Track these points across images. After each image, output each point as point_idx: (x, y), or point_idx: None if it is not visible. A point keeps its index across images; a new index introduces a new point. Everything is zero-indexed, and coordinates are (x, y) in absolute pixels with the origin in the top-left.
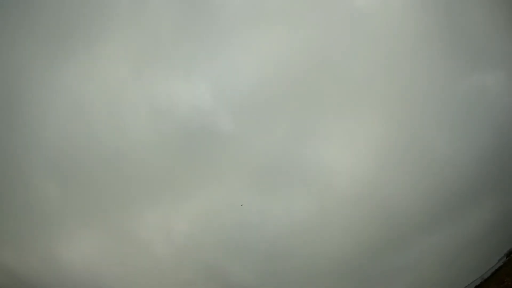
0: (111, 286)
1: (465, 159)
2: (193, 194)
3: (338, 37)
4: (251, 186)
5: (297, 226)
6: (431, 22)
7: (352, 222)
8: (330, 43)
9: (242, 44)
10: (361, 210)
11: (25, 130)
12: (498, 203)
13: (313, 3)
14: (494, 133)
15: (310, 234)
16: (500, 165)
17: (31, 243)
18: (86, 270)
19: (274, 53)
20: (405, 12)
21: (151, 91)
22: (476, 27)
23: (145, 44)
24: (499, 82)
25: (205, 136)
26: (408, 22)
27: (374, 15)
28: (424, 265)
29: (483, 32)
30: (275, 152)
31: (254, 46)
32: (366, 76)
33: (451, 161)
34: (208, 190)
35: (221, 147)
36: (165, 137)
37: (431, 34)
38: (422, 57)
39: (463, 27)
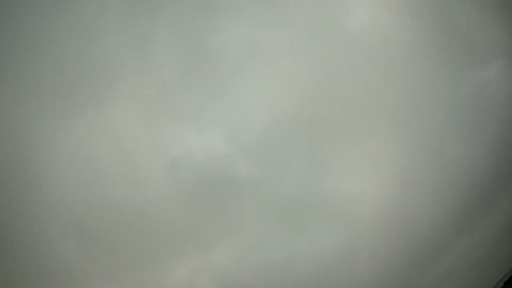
0: None
1: (478, 159)
2: (217, 243)
3: (338, 64)
4: (275, 226)
5: (325, 260)
6: (424, 26)
7: (380, 245)
8: (332, 71)
9: (247, 85)
10: (387, 232)
11: (37, 193)
12: None
13: (309, 34)
14: (502, 126)
15: (340, 266)
16: None
17: None
18: None
19: (280, 90)
20: (397, 22)
21: (163, 143)
22: (469, 20)
23: (152, 95)
24: (499, 72)
25: (223, 183)
26: (402, 30)
27: (369, 33)
28: (458, 270)
29: (476, 24)
30: (294, 189)
31: (259, 85)
32: (371, 97)
33: (465, 164)
34: (232, 236)
35: (240, 192)
36: (182, 187)
37: (426, 38)
38: (421, 64)
39: (456, 20)
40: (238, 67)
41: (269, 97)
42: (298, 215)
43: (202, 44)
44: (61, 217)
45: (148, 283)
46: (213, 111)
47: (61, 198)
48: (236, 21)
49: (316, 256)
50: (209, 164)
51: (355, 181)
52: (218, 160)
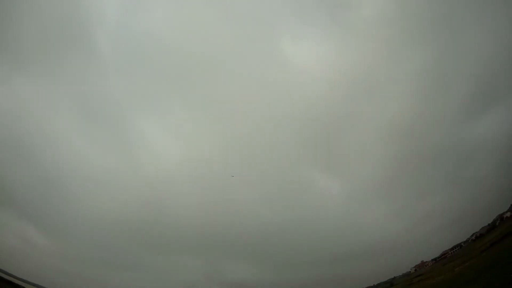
0: None
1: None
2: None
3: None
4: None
5: (86, 168)
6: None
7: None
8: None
9: None
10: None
11: None
12: None
13: None
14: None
15: (99, 183)
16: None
17: None
18: None
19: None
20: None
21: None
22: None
23: None
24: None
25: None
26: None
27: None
28: None
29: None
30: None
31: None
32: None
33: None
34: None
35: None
36: None
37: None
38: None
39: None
40: None
41: None
42: (107, 124)
43: None
44: None
45: None
46: None
47: None
48: None
49: (85, 160)
50: None
51: (165, 141)
52: None
